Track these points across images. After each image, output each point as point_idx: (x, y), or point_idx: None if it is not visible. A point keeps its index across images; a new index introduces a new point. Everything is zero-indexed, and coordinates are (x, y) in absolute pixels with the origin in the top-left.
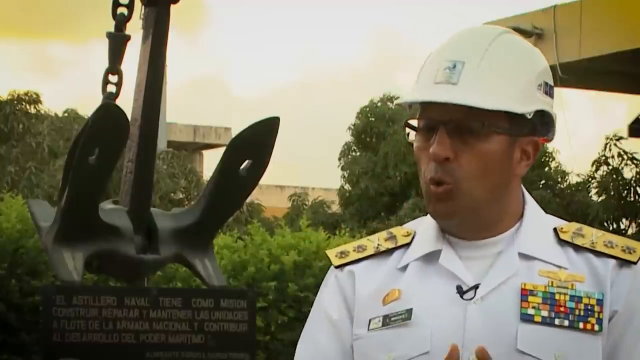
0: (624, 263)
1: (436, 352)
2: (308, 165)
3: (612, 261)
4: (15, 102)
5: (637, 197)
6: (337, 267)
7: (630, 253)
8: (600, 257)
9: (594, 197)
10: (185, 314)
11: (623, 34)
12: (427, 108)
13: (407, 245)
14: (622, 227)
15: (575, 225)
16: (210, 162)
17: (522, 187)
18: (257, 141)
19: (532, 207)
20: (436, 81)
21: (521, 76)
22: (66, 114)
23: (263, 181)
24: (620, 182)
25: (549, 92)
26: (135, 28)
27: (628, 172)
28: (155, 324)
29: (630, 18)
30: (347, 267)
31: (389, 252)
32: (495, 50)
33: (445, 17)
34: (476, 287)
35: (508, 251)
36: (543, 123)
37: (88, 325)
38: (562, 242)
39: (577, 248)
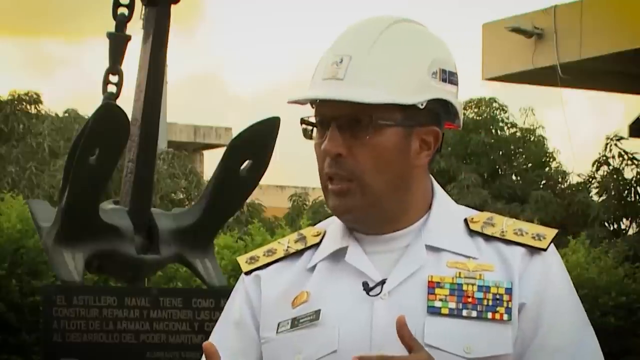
0: (534, 251)
1: (344, 351)
2: (308, 165)
3: (521, 249)
4: (16, 102)
5: (637, 197)
6: (246, 273)
7: (540, 240)
8: (509, 245)
9: (595, 197)
10: (186, 314)
11: (623, 34)
12: (319, 104)
13: (317, 245)
14: (623, 227)
15: (486, 215)
16: (210, 162)
17: (432, 178)
18: (258, 141)
19: (441, 198)
20: (324, 77)
21: (411, 65)
22: (67, 114)
23: (263, 181)
24: (621, 182)
25: (447, 79)
26: (135, 28)
27: (629, 172)
28: (155, 324)
29: (630, 18)
30: (254, 272)
31: (299, 253)
32: (384, 42)
33: (445, 17)
34: (383, 282)
35: (415, 244)
36: (447, 111)
37: (88, 325)
38: (472, 233)
39: (487, 238)
